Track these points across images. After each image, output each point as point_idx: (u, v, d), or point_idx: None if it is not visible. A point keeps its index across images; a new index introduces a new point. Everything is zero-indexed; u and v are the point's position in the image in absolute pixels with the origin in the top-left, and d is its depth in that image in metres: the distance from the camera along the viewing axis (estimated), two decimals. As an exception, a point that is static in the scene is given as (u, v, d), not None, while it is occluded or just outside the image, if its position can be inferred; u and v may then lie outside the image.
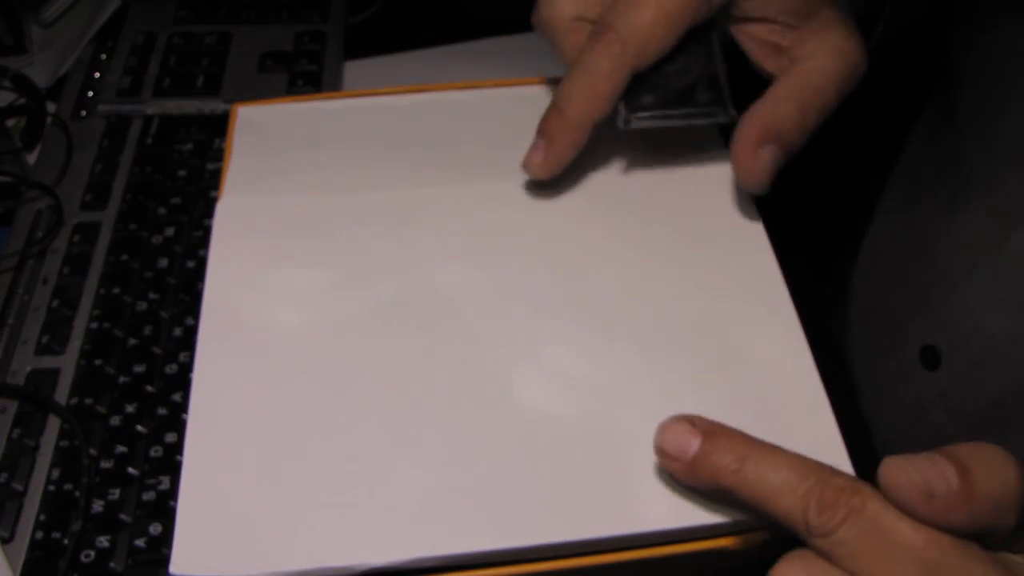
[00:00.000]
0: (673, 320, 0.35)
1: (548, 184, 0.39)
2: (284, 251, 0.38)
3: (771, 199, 0.39)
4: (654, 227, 0.38)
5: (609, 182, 0.39)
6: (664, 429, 0.30)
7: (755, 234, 0.38)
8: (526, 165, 0.38)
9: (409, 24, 0.68)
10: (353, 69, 0.64)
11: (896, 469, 0.27)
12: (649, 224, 0.38)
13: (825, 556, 0.27)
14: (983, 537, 0.27)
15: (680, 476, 0.30)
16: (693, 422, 0.30)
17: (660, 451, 0.30)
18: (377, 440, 0.32)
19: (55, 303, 0.49)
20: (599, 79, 0.36)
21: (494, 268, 0.37)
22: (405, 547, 0.29)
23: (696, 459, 0.29)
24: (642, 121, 0.37)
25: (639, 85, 0.37)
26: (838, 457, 0.31)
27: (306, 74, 0.61)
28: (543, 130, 0.38)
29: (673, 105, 0.37)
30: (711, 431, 0.29)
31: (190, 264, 0.50)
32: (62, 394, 0.46)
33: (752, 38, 0.39)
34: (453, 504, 0.30)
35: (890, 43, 0.44)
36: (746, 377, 0.33)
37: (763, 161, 0.36)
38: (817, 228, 0.57)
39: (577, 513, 0.30)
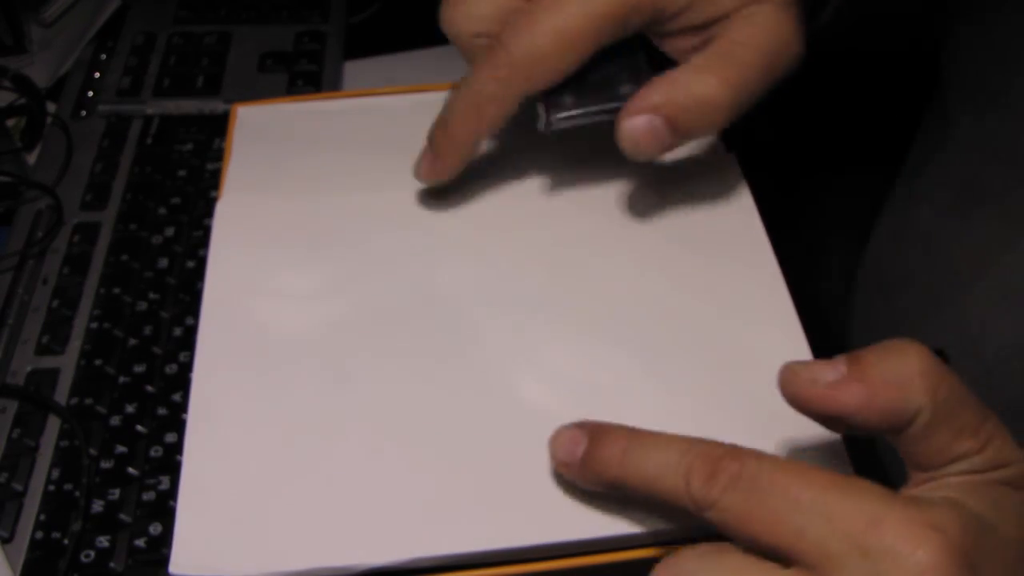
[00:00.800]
0: (673, 321, 0.35)
1: (548, 185, 0.39)
2: (284, 251, 0.38)
3: (773, 198, 0.38)
4: (655, 228, 0.38)
5: (609, 183, 0.39)
6: (554, 438, 0.30)
7: (755, 234, 0.38)
8: (415, 170, 0.37)
9: (409, 24, 0.68)
10: (353, 69, 0.64)
11: (785, 368, 0.27)
12: (650, 225, 0.38)
13: (720, 528, 0.26)
14: (902, 425, 0.26)
15: (577, 480, 0.30)
16: (582, 426, 0.30)
17: (554, 459, 0.30)
18: (376, 440, 0.32)
19: (55, 303, 0.49)
20: (484, 102, 0.34)
21: (494, 268, 0.37)
22: (404, 547, 0.29)
23: (584, 459, 0.29)
24: (563, 122, 0.35)
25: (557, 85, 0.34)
26: (839, 457, 0.31)
27: (306, 74, 0.61)
28: (430, 141, 0.37)
29: (594, 100, 0.35)
30: (596, 430, 0.29)
31: (190, 264, 0.50)
32: (62, 394, 0.45)
33: (680, 49, 0.36)
34: (452, 504, 0.30)
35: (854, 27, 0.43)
36: (746, 378, 0.33)
37: (631, 130, 0.33)
38: (819, 227, 0.57)
39: (577, 513, 0.30)
